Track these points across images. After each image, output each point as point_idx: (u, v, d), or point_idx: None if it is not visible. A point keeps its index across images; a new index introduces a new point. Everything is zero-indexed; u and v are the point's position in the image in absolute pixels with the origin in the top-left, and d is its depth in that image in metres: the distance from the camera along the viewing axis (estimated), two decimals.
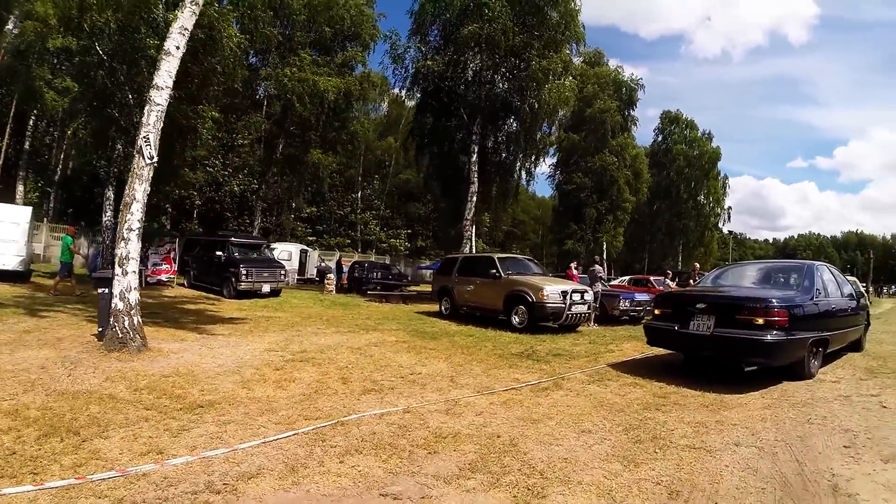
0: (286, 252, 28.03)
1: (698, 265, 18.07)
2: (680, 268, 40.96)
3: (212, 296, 17.78)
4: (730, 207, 55.89)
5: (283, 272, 19.50)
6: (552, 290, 12.35)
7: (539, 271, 15.01)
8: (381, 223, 50.78)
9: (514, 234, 67.96)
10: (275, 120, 30.04)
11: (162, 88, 8.45)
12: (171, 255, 20.40)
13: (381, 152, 52.13)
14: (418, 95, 26.41)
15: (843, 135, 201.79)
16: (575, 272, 16.23)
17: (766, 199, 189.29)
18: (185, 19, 8.71)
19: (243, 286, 17.57)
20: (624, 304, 15.20)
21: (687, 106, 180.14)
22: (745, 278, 9.19)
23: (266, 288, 18.10)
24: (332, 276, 24.32)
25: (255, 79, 29.21)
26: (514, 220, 64.35)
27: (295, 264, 28.21)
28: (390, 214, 52.44)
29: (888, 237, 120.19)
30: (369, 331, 11.42)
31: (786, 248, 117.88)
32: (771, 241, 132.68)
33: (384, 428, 4.83)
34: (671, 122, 51.93)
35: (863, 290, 14.58)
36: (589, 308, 13.26)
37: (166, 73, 8.49)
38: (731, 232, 54.13)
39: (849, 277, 15.95)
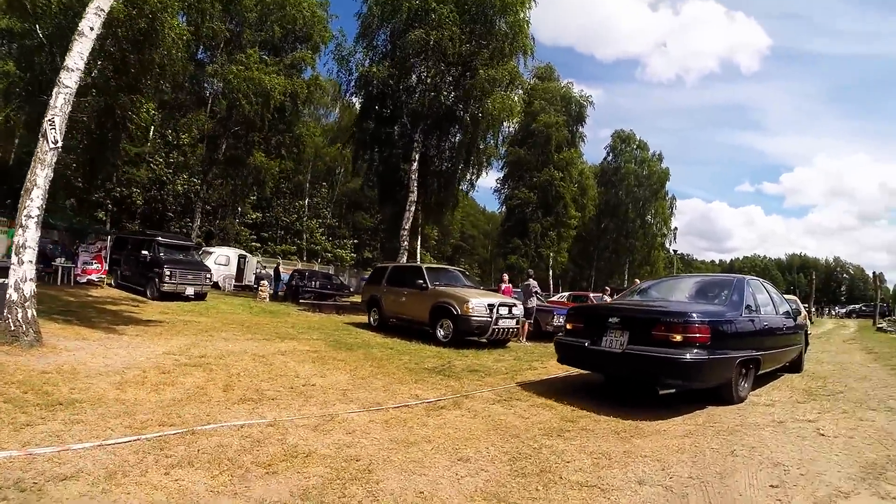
0: (224, 256, 27.09)
1: (638, 280, 17.85)
2: (626, 286, 41.07)
3: (138, 297, 17.14)
4: (676, 228, 56.70)
5: (208, 276, 18.93)
6: (478, 302, 11.79)
7: (470, 284, 14.49)
8: (328, 232, 49.94)
9: (463, 249, 67.96)
10: (219, 119, 29.09)
11: (72, 70, 8.05)
12: (102, 254, 19.67)
13: (331, 159, 51.09)
14: (361, 100, 25.83)
15: (789, 161, 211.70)
16: (508, 286, 15.84)
17: (714, 222, 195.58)
18: (102, 0, 8.26)
19: (167, 287, 17.00)
20: (558, 321, 14.71)
21: (640, 128, 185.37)
22: (672, 292, 8.42)
23: (190, 291, 17.59)
24: (265, 282, 23.54)
25: (202, 75, 28.56)
26: (463, 234, 64.25)
27: (233, 270, 27.18)
28: (337, 224, 51.67)
29: (831, 260, 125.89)
30: (285, 339, 10.90)
31: (731, 269, 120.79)
32: (717, 262, 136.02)
33: (236, 441, 4.40)
34: (623, 141, 52.48)
35: (803, 309, 14.49)
36: (518, 323, 12.69)
37: (78, 55, 8.10)
38: (676, 251, 54.62)
39: (788, 297, 15.68)
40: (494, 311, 11.87)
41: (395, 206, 26.16)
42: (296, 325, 14.27)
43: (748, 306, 7.19)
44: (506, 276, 16.22)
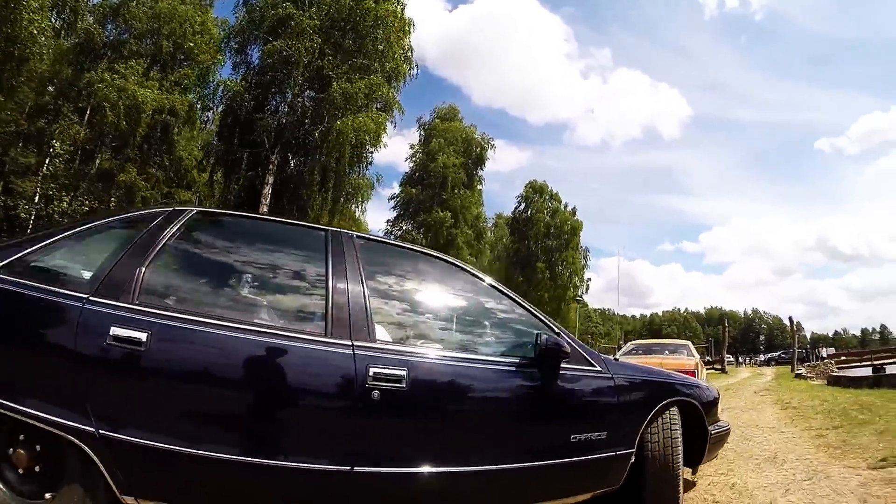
0: None
1: None
2: None
3: None
4: (590, 279, 55.86)
5: None
6: None
7: None
8: None
9: None
10: (96, 129, 27.61)
11: None
12: None
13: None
14: (220, 117, 24.18)
15: (708, 221, 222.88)
16: None
17: (636, 279, 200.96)
18: None
19: None
20: None
21: (568, 188, 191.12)
22: None
23: None
24: None
25: (78, 80, 27.04)
26: None
27: None
28: None
29: (749, 311, 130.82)
30: None
31: (651, 323, 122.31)
32: (639, 315, 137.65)
33: None
34: (535, 191, 51.73)
35: (695, 356, 13.19)
36: None
37: None
38: (578, 299, 53.87)
39: (677, 342, 15.91)
40: None
41: None
42: None
43: None
44: None
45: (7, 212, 31.60)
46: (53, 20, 24.46)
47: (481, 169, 40.89)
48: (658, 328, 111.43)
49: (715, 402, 4.05)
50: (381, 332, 2.69)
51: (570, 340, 3.08)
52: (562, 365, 2.95)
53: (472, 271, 3.40)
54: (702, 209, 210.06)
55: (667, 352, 13.05)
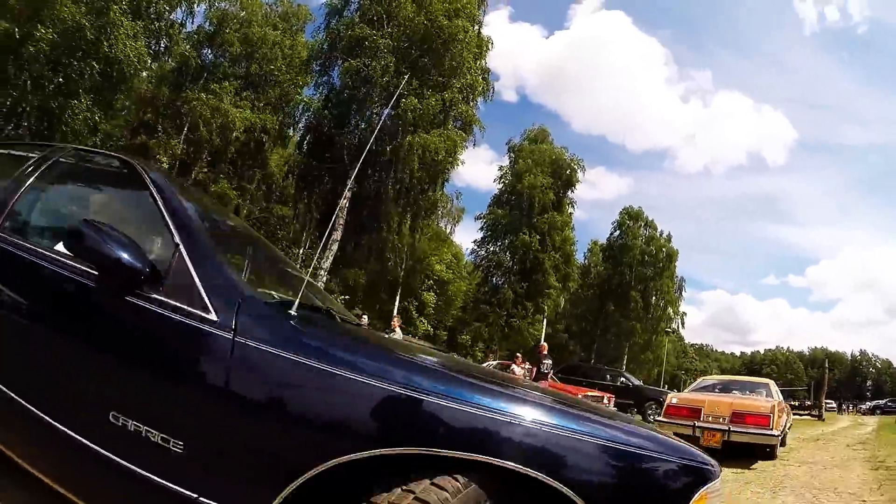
0: None
1: (546, 345, 15.14)
2: (625, 371, 37.39)
3: None
4: (685, 313, 53.12)
5: None
6: None
7: None
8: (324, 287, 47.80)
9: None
10: (193, 144, 29.50)
11: None
12: None
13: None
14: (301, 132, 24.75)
15: (816, 254, 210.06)
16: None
17: (739, 315, 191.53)
18: None
19: None
20: None
21: (668, 217, 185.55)
22: None
23: None
24: None
25: (176, 99, 28.83)
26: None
27: None
28: (328, 278, 49.46)
29: (857, 353, 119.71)
30: None
31: (752, 362, 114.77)
32: (739, 354, 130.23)
33: None
34: (631, 217, 49.79)
35: (776, 398, 11.53)
36: None
37: None
38: (668, 331, 51.19)
39: (756, 379, 15.22)
40: None
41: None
42: None
43: None
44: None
45: None
46: (151, 46, 25.84)
47: (571, 192, 39.50)
48: (758, 367, 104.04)
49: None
50: None
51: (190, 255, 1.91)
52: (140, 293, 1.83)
53: None
54: (809, 240, 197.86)
55: (745, 391, 11.74)
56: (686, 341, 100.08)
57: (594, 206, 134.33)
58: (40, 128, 20.63)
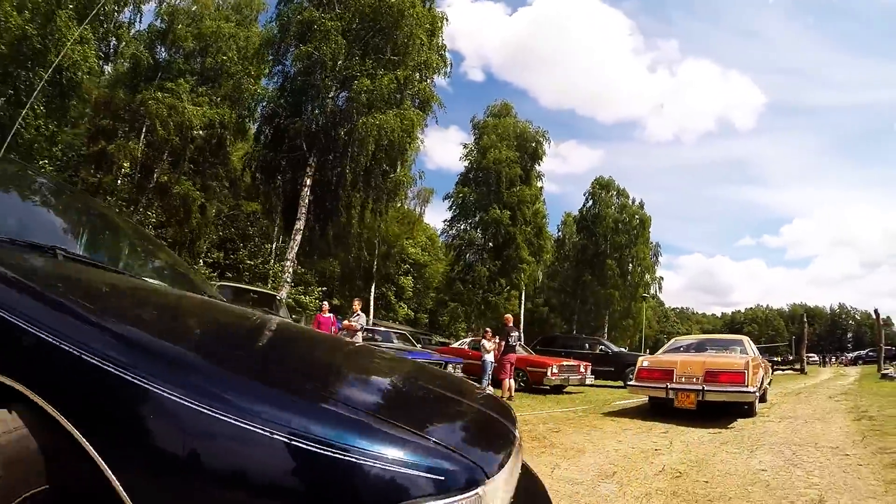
0: None
1: (511, 317, 15.05)
2: (606, 339, 37.43)
3: None
4: (661, 277, 53.76)
5: None
6: None
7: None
8: (295, 279, 47.20)
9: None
10: (151, 145, 29.29)
11: None
12: None
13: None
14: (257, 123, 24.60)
15: (790, 213, 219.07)
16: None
17: (717, 277, 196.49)
18: None
19: None
20: None
21: (641, 186, 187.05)
22: None
23: None
24: None
25: (132, 101, 28.45)
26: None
27: None
28: (302, 270, 49.06)
29: (836, 307, 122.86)
30: None
31: (733, 322, 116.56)
32: (719, 314, 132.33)
33: None
34: (602, 187, 50.01)
35: (752, 354, 11.17)
36: None
37: None
38: (644, 297, 51.58)
39: (732, 336, 14.41)
40: None
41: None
42: None
43: None
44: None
45: None
46: (102, 48, 25.46)
47: (538, 164, 39.31)
48: (739, 326, 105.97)
49: None
50: None
51: None
52: None
53: None
54: (782, 201, 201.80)
55: (719, 349, 11.45)
56: (666, 306, 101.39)
57: (567, 180, 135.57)
58: None
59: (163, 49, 30.37)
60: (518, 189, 36.06)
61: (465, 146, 38.72)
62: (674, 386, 9.24)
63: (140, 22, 27.57)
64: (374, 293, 42.46)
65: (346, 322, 12.16)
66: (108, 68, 30.43)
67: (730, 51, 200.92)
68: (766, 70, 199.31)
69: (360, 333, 12.10)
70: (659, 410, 9.86)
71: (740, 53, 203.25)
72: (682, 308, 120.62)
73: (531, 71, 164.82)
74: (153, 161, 30.20)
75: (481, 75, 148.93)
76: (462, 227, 38.17)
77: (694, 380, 9.10)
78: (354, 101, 20.08)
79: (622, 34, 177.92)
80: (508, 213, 35.31)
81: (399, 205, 30.71)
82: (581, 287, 48.91)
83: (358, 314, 12.16)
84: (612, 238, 47.96)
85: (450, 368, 12.24)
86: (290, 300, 43.97)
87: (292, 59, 21.31)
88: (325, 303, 13.01)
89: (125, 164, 30.91)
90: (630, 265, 49.06)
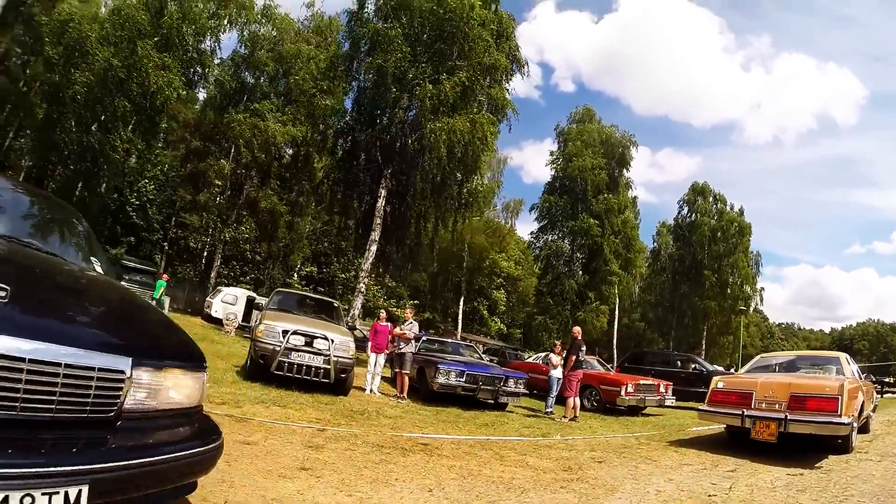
0: (231, 296, 26.80)
1: (579, 329, 13.56)
2: (703, 357, 35.13)
3: None
4: (762, 288, 50.36)
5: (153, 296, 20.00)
6: (273, 324, 9.58)
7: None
8: (386, 292, 47.47)
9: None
10: (240, 163, 30.75)
11: None
12: None
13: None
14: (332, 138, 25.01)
15: None
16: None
17: (825, 288, 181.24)
18: None
19: None
20: (446, 378, 11.18)
21: (741, 192, 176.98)
22: None
23: None
24: (233, 314, 22.65)
25: (220, 122, 30.00)
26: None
27: (239, 309, 25.85)
28: (393, 284, 49.24)
29: None
30: None
31: (842, 338, 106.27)
32: (828, 330, 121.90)
33: None
34: (697, 193, 47.61)
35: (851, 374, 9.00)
36: (328, 362, 9.49)
37: None
38: (755, 309, 48.26)
39: (828, 354, 11.13)
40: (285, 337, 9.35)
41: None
42: None
43: None
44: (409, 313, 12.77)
45: (180, 241, 37.02)
46: (188, 74, 26.62)
47: (626, 170, 37.89)
48: (848, 343, 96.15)
49: None
50: None
51: None
52: None
53: None
54: (893, 202, 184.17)
55: (810, 368, 9.56)
56: (771, 321, 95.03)
57: (665, 189, 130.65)
58: (81, 166, 21.62)
59: (247, 73, 31.87)
60: (604, 197, 34.81)
61: (550, 154, 38.02)
62: (751, 413, 7.73)
63: (220, 49, 29.18)
64: (467, 307, 41.99)
65: (397, 330, 11.59)
66: (201, 94, 32.01)
67: (824, 41, 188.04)
68: (865, 59, 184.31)
69: (413, 342, 11.62)
70: (736, 443, 8.34)
71: (835, 42, 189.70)
72: (787, 324, 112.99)
73: (622, 78, 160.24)
74: (244, 179, 31.81)
75: (572, 86, 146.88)
76: (549, 238, 36.98)
77: (776, 406, 7.60)
78: (420, 107, 19.68)
79: (712, 33, 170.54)
80: (596, 222, 34.00)
81: (478, 216, 30.08)
82: (678, 300, 46.67)
83: (410, 322, 11.65)
84: (709, 247, 45.44)
85: (511, 384, 11.55)
86: (381, 312, 44.27)
87: (364, 72, 21.21)
88: (383, 311, 12.53)
89: (217, 182, 32.46)
90: (729, 276, 46.04)
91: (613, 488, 5.29)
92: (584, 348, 12.28)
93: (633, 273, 39.41)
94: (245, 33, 30.39)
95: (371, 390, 11.27)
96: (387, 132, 21.29)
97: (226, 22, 27.91)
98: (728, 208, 46.99)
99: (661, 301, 48.96)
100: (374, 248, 20.75)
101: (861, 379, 10.04)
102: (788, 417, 7.29)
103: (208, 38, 26.79)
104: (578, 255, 35.40)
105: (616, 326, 46.84)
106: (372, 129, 21.51)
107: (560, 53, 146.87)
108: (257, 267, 41.55)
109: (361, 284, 21.03)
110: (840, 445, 7.76)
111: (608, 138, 36.52)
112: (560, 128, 37.87)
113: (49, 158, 22.07)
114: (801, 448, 7.63)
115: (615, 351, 44.37)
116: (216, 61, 29.23)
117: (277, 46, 30.92)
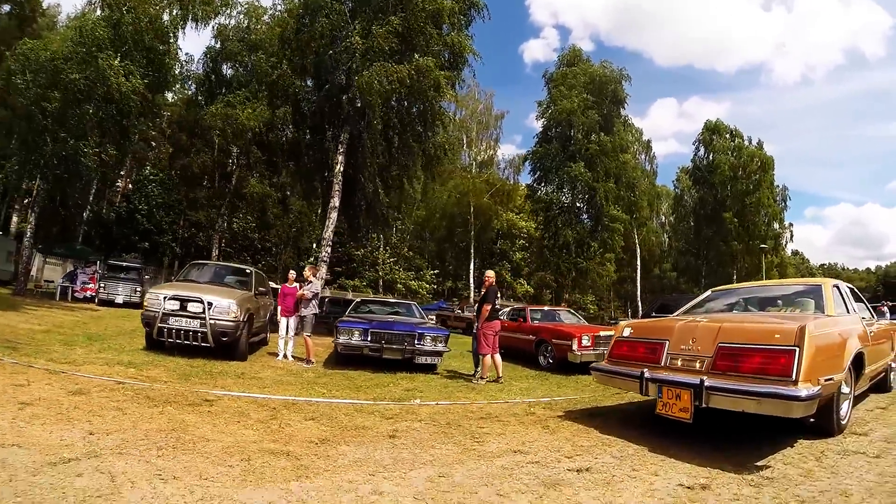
0: None
1: (493, 274, 10.76)
2: None
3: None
4: (791, 224, 47.95)
5: (137, 288, 22.91)
6: (157, 292, 9.77)
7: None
8: (405, 264, 46.57)
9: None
10: (224, 153, 31.96)
11: None
12: (95, 276, 24.84)
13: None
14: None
15: None
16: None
17: (868, 227, 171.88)
18: None
19: (101, 295, 22.56)
20: (348, 337, 10.25)
21: (775, 134, 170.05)
22: None
23: (119, 299, 22.45)
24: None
25: (200, 116, 30.16)
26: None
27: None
28: (413, 255, 48.29)
29: None
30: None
31: (887, 276, 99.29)
32: (873, 269, 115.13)
33: None
34: (712, 132, 45.34)
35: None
36: (204, 325, 9.18)
37: None
38: (795, 252, 45.32)
39: (810, 282, 7.90)
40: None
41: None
42: None
43: None
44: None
45: (187, 238, 39.04)
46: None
47: (623, 108, 35.93)
48: (894, 280, 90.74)
49: None
50: None
51: None
52: None
53: None
54: None
55: (780, 305, 6.63)
56: (812, 263, 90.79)
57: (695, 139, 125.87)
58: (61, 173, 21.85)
59: (224, 66, 31.73)
60: (598, 138, 32.86)
61: (538, 104, 36.21)
62: (655, 375, 5.04)
63: (182, 51, 29.76)
64: (492, 270, 41.10)
65: (300, 292, 10.76)
66: (169, 95, 31.81)
67: None
68: None
69: (313, 302, 10.94)
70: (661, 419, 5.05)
71: None
72: (831, 264, 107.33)
73: (641, 31, 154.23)
74: (231, 169, 32.61)
75: (591, 45, 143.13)
76: (544, 189, 35.55)
77: (696, 364, 4.86)
78: (350, 61, 18.77)
79: None
80: (585, 170, 32.50)
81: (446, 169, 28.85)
82: (704, 245, 44.68)
83: (310, 281, 10.81)
84: (731, 187, 43.35)
85: (427, 342, 10.33)
86: (401, 286, 43.58)
87: (310, 40, 20.04)
88: (292, 272, 11.72)
89: (204, 175, 32.67)
90: (755, 214, 43.65)
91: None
92: (499, 295, 10.50)
93: (637, 217, 37.48)
94: (213, 26, 29.88)
95: (284, 356, 10.82)
96: (334, 96, 20.41)
97: (189, 19, 27.15)
98: (746, 143, 44.67)
99: (688, 248, 47.22)
100: (333, 214, 20.00)
101: (868, 318, 6.72)
102: (707, 384, 4.50)
103: (171, 38, 26.11)
104: (578, 203, 33.74)
105: (639, 276, 45.20)
106: (319, 95, 20.94)
107: (576, 14, 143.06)
108: (269, 254, 42.29)
109: (324, 252, 20.17)
110: (816, 425, 4.95)
111: (595, 75, 34.16)
112: (547, 74, 36.15)
113: (32, 175, 22.68)
114: (751, 427, 5.08)
115: (640, 303, 42.86)
116: (182, 58, 29.29)
117: (248, 35, 30.30)
